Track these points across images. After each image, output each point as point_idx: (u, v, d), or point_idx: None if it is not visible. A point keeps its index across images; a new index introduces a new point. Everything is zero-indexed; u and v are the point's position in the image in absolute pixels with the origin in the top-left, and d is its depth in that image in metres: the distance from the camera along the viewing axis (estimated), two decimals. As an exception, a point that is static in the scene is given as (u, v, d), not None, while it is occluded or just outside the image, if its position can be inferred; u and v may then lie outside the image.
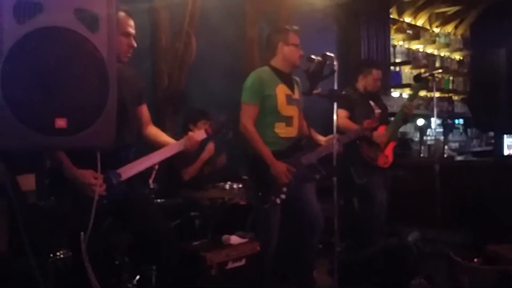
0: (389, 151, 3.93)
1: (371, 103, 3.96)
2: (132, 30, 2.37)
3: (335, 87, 2.74)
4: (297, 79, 3.29)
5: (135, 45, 2.39)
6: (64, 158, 2.12)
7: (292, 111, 3.18)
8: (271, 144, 3.08)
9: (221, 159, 4.06)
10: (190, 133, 2.56)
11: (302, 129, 3.25)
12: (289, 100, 3.16)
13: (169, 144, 2.53)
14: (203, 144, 3.86)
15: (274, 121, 3.12)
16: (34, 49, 1.66)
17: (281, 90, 3.14)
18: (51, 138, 1.70)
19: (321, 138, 3.24)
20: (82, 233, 1.93)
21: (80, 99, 1.75)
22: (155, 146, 2.58)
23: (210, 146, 3.84)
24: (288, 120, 3.16)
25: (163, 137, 2.64)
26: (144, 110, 2.62)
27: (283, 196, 3.03)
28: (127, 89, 2.36)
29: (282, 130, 3.14)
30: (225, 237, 3.06)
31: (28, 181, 2.78)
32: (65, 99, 1.71)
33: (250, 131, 3.06)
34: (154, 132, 2.65)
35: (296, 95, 3.23)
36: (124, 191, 2.32)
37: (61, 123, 1.70)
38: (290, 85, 3.20)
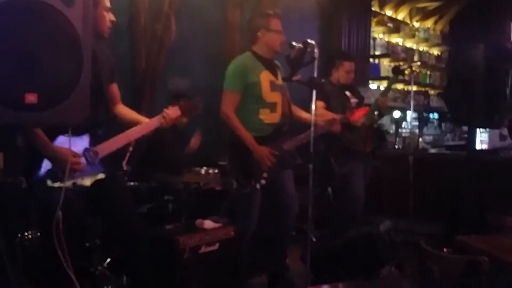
0: (367, 136, 3.93)
1: (347, 93, 3.97)
2: (109, 5, 2.35)
3: (315, 75, 2.73)
4: (279, 64, 3.27)
5: (114, 19, 2.37)
6: (41, 135, 2.06)
7: (276, 97, 3.18)
8: (254, 130, 3.09)
9: (196, 140, 4.03)
10: (166, 110, 2.55)
11: (285, 114, 3.24)
12: (273, 86, 3.15)
13: (144, 122, 2.51)
14: (180, 133, 3.86)
15: (259, 107, 3.13)
16: (4, 21, 1.60)
17: (265, 77, 3.13)
18: (21, 113, 1.65)
19: (306, 116, 3.21)
20: (60, 212, 1.88)
21: (53, 75, 1.70)
22: (125, 124, 2.55)
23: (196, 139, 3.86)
24: (272, 106, 3.16)
25: (133, 114, 2.62)
26: (115, 88, 2.59)
27: (263, 181, 3.05)
28: (102, 66, 2.33)
29: (266, 117, 3.15)
30: (198, 221, 3.05)
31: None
32: (36, 74, 1.66)
33: (231, 117, 3.07)
34: (124, 110, 2.64)
35: (279, 80, 3.22)
36: (101, 169, 2.29)
37: (31, 98, 1.65)
38: (273, 71, 3.20)
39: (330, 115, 3.57)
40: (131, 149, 2.90)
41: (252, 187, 3.04)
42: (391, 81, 4.10)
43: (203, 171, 3.83)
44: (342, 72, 3.98)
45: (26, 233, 2.56)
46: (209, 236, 2.96)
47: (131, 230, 2.46)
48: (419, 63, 4.71)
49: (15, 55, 1.62)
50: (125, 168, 3.13)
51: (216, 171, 3.87)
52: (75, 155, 2.11)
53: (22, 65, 1.63)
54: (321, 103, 3.70)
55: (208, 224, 3.04)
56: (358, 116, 3.73)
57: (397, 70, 3.82)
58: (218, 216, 3.24)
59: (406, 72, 3.80)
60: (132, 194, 2.70)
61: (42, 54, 1.67)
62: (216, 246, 2.98)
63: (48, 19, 1.69)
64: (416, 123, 7.17)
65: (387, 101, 4.01)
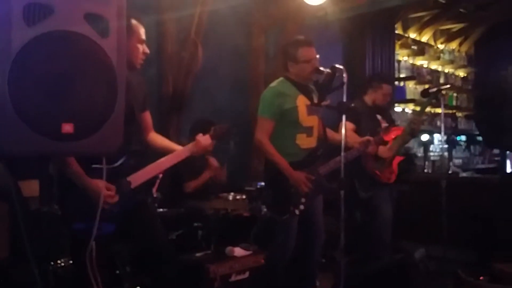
0: (394, 165, 3.88)
1: (378, 117, 3.93)
2: (144, 37, 2.39)
3: (344, 100, 2.71)
4: (313, 87, 3.24)
5: (148, 51, 2.41)
6: (75, 165, 2.09)
7: (312, 121, 3.15)
8: (289, 155, 3.05)
9: (222, 174, 4.00)
10: (197, 138, 2.56)
11: (321, 138, 3.21)
12: (310, 110, 3.11)
13: (176, 150, 2.53)
14: (205, 159, 3.86)
15: (295, 132, 3.09)
16: (42, 52, 1.63)
17: (302, 101, 3.10)
18: (57, 143, 1.67)
19: (338, 137, 3.16)
20: (94, 242, 1.89)
21: (88, 104, 1.71)
22: (158, 152, 2.57)
23: (214, 163, 3.83)
24: (308, 131, 3.13)
25: (166, 142, 2.65)
26: (148, 117, 2.62)
27: (302, 206, 3.00)
28: (134, 95, 2.36)
29: (302, 141, 3.11)
30: (228, 249, 3.01)
31: (31, 187, 2.74)
32: (72, 104, 1.68)
33: (265, 144, 3.04)
34: (157, 138, 2.66)
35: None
36: (134, 200, 2.30)
37: (67, 128, 1.67)
38: (308, 95, 3.15)
39: (357, 138, 3.52)
40: (161, 175, 2.91)
41: (291, 213, 2.98)
42: (425, 104, 4.04)
43: (230, 197, 3.81)
44: (380, 94, 3.94)
45: (59, 261, 2.57)
46: (239, 264, 2.93)
47: (162, 257, 2.44)
48: (448, 85, 4.63)
49: (52, 85, 1.64)
50: (155, 195, 3.13)
51: (244, 196, 3.84)
52: (108, 187, 2.12)
53: (58, 95, 1.65)
54: (350, 125, 3.66)
55: (238, 251, 3.01)
56: (392, 136, 3.69)
57: (426, 94, 3.77)
58: (248, 243, 3.20)
59: (437, 94, 3.73)
60: (162, 220, 2.70)
61: (78, 84, 1.69)
62: (246, 275, 2.94)
63: (84, 50, 1.71)
64: (444, 145, 7.04)
65: (421, 123, 3.95)
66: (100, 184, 2.03)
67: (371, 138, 3.39)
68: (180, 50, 4.38)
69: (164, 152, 2.53)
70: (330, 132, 3.28)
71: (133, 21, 2.32)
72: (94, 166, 2.06)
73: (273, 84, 3.18)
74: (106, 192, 2.08)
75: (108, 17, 1.77)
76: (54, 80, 1.64)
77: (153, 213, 2.63)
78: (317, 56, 3.11)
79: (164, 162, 2.46)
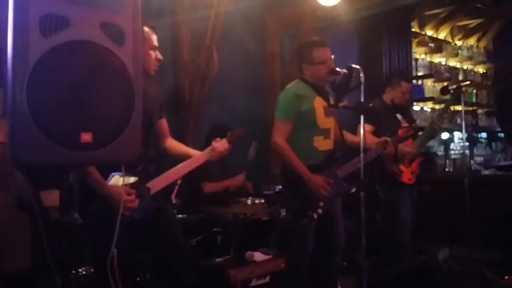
0: (415, 166, 3.82)
1: (398, 116, 3.87)
2: (156, 43, 2.42)
3: (362, 100, 2.67)
4: (328, 89, 3.21)
5: (161, 57, 2.43)
6: (96, 174, 2.11)
7: (330, 123, 3.11)
8: (307, 158, 3.01)
9: (240, 179, 4.00)
10: (214, 143, 2.58)
11: (338, 140, 3.18)
12: (327, 112, 3.07)
13: (193, 155, 2.54)
14: (225, 162, 3.87)
15: (313, 134, 3.05)
16: (60, 63, 1.64)
17: (319, 103, 3.06)
18: (77, 152, 1.67)
19: (355, 139, 3.13)
20: (115, 250, 1.90)
21: (106, 113, 1.72)
22: (175, 158, 2.59)
23: (241, 177, 3.84)
24: (326, 133, 3.09)
25: (183, 148, 2.67)
26: (164, 123, 2.64)
27: (320, 210, 2.96)
28: (151, 102, 2.37)
29: (320, 144, 3.07)
30: (248, 253, 3.00)
31: (51, 197, 2.76)
32: (91, 113, 1.69)
33: (282, 147, 3.01)
34: (174, 144, 2.68)
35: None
36: (154, 206, 2.31)
37: (86, 137, 1.68)
38: (325, 96, 3.12)
39: (376, 139, 3.47)
40: (179, 182, 2.92)
41: (309, 218, 2.95)
42: (448, 103, 3.97)
43: (249, 202, 3.79)
44: (398, 92, 3.87)
45: (80, 270, 2.59)
46: (260, 268, 2.91)
47: (180, 264, 2.45)
48: (468, 82, 4.54)
49: (70, 94, 1.65)
50: (174, 201, 3.14)
51: (262, 201, 3.83)
52: (129, 192, 2.13)
53: (76, 104, 1.66)
54: (369, 127, 3.61)
55: (258, 256, 2.99)
56: (404, 148, 3.64)
57: (445, 91, 3.71)
58: (268, 248, 3.18)
59: (456, 91, 3.65)
60: (181, 226, 2.70)
61: (95, 93, 1.70)
62: (267, 279, 2.91)
63: (101, 59, 1.72)
64: (465, 143, 6.92)
65: (443, 122, 3.88)
66: (121, 190, 2.05)
67: (388, 139, 3.34)
68: (195, 57, 4.40)
69: (181, 158, 2.55)
70: (347, 135, 3.24)
71: (145, 28, 2.34)
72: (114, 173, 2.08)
73: (290, 85, 3.16)
74: (126, 197, 2.10)
75: (123, 25, 1.78)
76: (72, 90, 1.65)
77: (172, 219, 2.64)
78: (332, 56, 3.08)
79: (183, 168, 2.49)
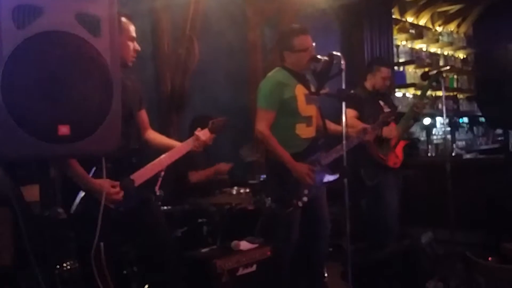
0: (399, 150, 3.86)
1: (381, 102, 3.89)
2: (134, 34, 2.39)
3: (343, 87, 2.68)
4: (309, 76, 3.22)
5: (139, 48, 2.40)
6: (78, 167, 2.08)
7: (311, 111, 3.12)
8: (290, 146, 3.02)
9: (226, 167, 3.99)
10: (196, 133, 2.56)
11: (320, 128, 3.18)
12: (308, 99, 3.08)
13: (177, 146, 2.53)
14: (209, 152, 3.85)
15: (295, 122, 3.06)
16: (34, 54, 1.61)
17: (300, 91, 3.07)
18: (55, 145, 1.65)
19: (337, 127, 3.12)
20: (102, 243, 1.89)
21: (83, 105, 1.70)
22: (156, 149, 2.58)
23: (226, 165, 3.83)
24: (308, 120, 3.11)
25: (164, 139, 2.66)
26: (144, 115, 2.62)
27: (305, 198, 2.98)
28: (129, 94, 2.35)
29: (302, 131, 3.08)
30: (234, 243, 3.00)
31: (32, 192, 2.72)
32: (67, 105, 1.66)
33: (267, 136, 3.00)
34: (155, 135, 2.67)
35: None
36: (138, 198, 2.29)
37: (64, 130, 1.65)
38: (306, 84, 3.13)
39: (360, 125, 3.49)
40: (162, 173, 2.90)
41: (294, 206, 2.96)
42: (426, 87, 4.00)
43: (234, 191, 3.79)
44: (379, 78, 3.90)
45: (65, 264, 2.56)
46: (246, 257, 2.91)
47: (166, 255, 2.44)
48: (448, 67, 4.58)
49: (46, 87, 1.62)
50: (158, 193, 3.12)
51: (248, 190, 3.83)
52: (113, 185, 2.11)
53: (53, 97, 1.63)
54: (353, 112, 3.63)
55: (244, 245, 2.99)
56: (389, 128, 3.66)
57: (426, 76, 3.73)
58: (253, 236, 3.18)
59: (437, 76, 3.68)
60: (166, 218, 2.69)
61: (72, 85, 1.67)
62: (253, 268, 2.92)
63: (76, 50, 1.69)
64: (447, 128, 6.99)
65: (424, 106, 3.91)
66: (104, 183, 2.02)
67: (367, 126, 3.37)
68: (176, 48, 4.35)
69: (162, 149, 2.53)
70: (329, 124, 3.25)
71: (123, 19, 2.32)
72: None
73: (271, 74, 3.15)
74: (110, 189, 2.08)
75: (99, 16, 1.75)
76: (48, 82, 1.62)
77: (157, 211, 2.63)
78: (314, 44, 3.08)
79: (166, 159, 2.47)
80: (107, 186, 2.08)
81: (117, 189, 2.17)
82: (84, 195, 2.15)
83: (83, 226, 2.14)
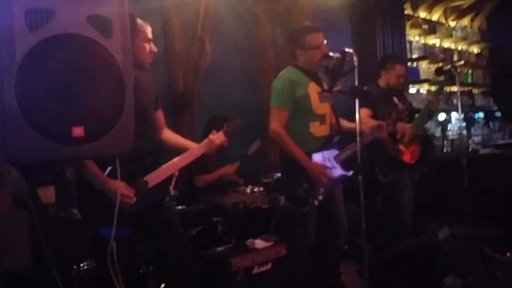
0: (414, 147, 3.82)
1: (395, 99, 3.86)
2: (151, 36, 2.39)
3: (356, 84, 2.66)
4: (321, 74, 3.20)
5: (156, 50, 2.41)
6: (94, 168, 2.10)
7: (325, 109, 3.11)
8: (305, 145, 3.00)
9: (231, 168, 3.99)
10: (211, 136, 2.56)
11: (334, 126, 3.17)
12: (321, 97, 3.07)
13: (191, 148, 2.53)
14: (221, 152, 3.86)
15: (309, 121, 3.05)
16: (47, 57, 1.62)
17: (313, 89, 3.05)
18: (69, 147, 1.66)
19: (351, 125, 3.11)
20: (114, 243, 1.90)
21: (97, 106, 1.71)
22: (172, 150, 2.59)
23: (232, 167, 3.84)
24: (322, 118, 3.09)
25: (180, 139, 2.66)
26: (160, 115, 2.63)
27: (320, 197, 2.96)
28: (145, 94, 2.36)
29: (316, 130, 3.07)
30: (249, 241, 3.00)
31: (48, 193, 2.76)
32: (81, 107, 1.67)
33: (281, 135, 2.99)
34: (171, 136, 2.67)
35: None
36: (151, 200, 2.30)
37: (78, 131, 1.66)
38: (318, 82, 3.11)
39: (374, 123, 3.46)
40: (176, 173, 2.92)
41: (310, 205, 2.94)
42: (442, 83, 3.95)
43: (248, 190, 3.80)
44: (393, 76, 3.87)
45: (82, 265, 2.59)
46: (261, 256, 2.91)
47: (180, 255, 2.44)
48: (462, 62, 4.52)
49: (59, 89, 1.63)
50: (172, 192, 3.13)
51: (262, 189, 3.83)
52: (127, 188, 2.12)
53: (66, 99, 1.64)
54: (366, 111, 3.60)
55: (259, 243, 2.99)
56: (404, 124, 3.63)
57: (440, 72, 3.69)
58: (268, 235, 3.18)
59: (451, 71, 3.63)
60: (181, 218, 2.70)
61: (85, 86, 1.68)
62: (269, 266, 2.92)
63: (88, 52, 1.70)
64: (462, 124, 6.91)
65: (439, 103, 3.87)
66: (120, 185, 2.04)
67: (382, 123, 3.34)
68: (187, 48, 4.37)
69: (178, 149, 2.54)
70: (342, 121, 3.23)
71: (139, 21, 2.32)
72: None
73: (282, 73, 3.14)
74: (125, 192, 2.10)
75: (110, 17, 1.76)
76: (61, 84, 1.64)
77: (170, 211, 2.64)
78: (325, 41, 3.06)
79: (180, 161, 2.47)
80: (122, 188, 2.09)
81: (131, 193, 2.18)
82: (98, 195, 2.16)
83: (97, 226, 2.16)
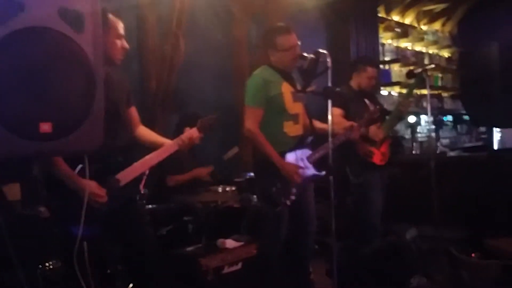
0: (385, 148, 3.88)
1: (366, 101, 3.91)
2: (123, 32, 2.35)
3: (329, 85, 2.68)
4: (295, 75, 3.21)
5: (128, 46, 2.36)
6: (64, 165, 2.05)
7: (298, 108, 3.12)
8: (278, 144, 3.01)
9: (204, 172, 3.97)
10: (185, 132, 2.53)
11: (307, 126, 3.18)
12: (295, 97, 3.08)
13: (164, 144, 2.50)
14: (195, 152, 3.84)
15: (282, 120, 3.05)
16: (15, 50, 1.58)
17: (286, 88, 3.06)
18: (36, 143, 1.62)
19: (323, 126, 3.09)
20: (85, 242, 1.87)
21: (65, 102, 1.67)
22: (146, 146, 2.55)
23: (205, 170, 3.82)
24: (295, 118, 3.10)
25: (154, 136, 2.62)
26: (134, 112, 2.59)
27: (293, 197, 2.97)
28: (118, 91, 2.32)
29: (290, 129, 3.08)
30: (220, 241, 2.99)
31: (13, 190, 2.68)
32: (49, 102, 1.63)
33: (256, 134, 2.98)
34: (145, 132, 2.63)
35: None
36: (123, 198, 2.27)
37: (45, 127, 1.62)
38: (292, 82, 3.12)
39: (347, 123, 3.50)
40: (147, 172, 2.88)
41: (283, 205, 2.95)
42: (412, 86, 4.02)
43: (220, 189, 3.77)
44: (364, 78, 3.90)
45: (47, 264, 2.53)
46: (232, 255, 2.91)
47: (149, 255, 2.42)
48: (433, 65, 4.61)
49: (27, 83, 1.59)
50: (142, 191, 3.09)
51: (234, 188, 3.81)
52: (98, 187, 2.09)
53: (34, 94, 1.60)
54: (338, 110, 3.63)
55: (230, 243, 2.99)
56: (375, 129, 3.68)
57: (411, 75, 3.76)
58: (239, 235, 3.18)
59: (422, 74, 3.70)
60: (152, 217, 2.67)
61: (54, 82, 1.64)
62: (239, 266, 2.92)
63: (59, 46, 1.66)
64: (431, 126, 7.07)
65: (409, 105, 3.94)
66: (90, 184, 2.00)
67: (354, 124, 3.38)
68: (162, 44, 4.32)
69: (152, 146, 2.51)
70: (315, 122, 3.25)
71: (111, 16, 2.27)
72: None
73: (257, 71, 3.14)
74: (96, 190, 2.07)
75: (82, 11, 1.73)
76: (29, 79, 1.59)
77: (140, 210, 2.61)
78: (299, 42, 3.07)
79: (153, 158, 2.44)
80: (93, 187, 2.05)
81: (103, 192, 2.14)
82: (68, 193, 2.11)
83: (66, 224, 2.11)
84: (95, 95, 1.74)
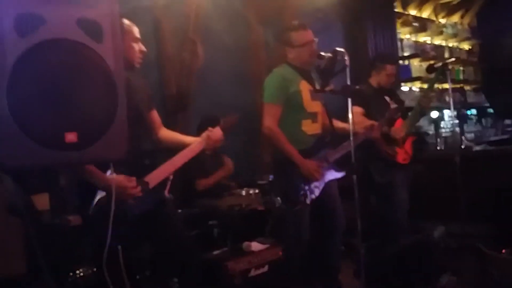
0: (408, 146, 3.83)
1: (387, 98, 3.86)
2: (139, 35, 2.38)
3: (348, 83, 2.66)
4: (314, 74, 3.20)
5: (145, 49, 2.40)
6: (93, 168, 2.07)
7: (317, 107, 3.10)
8: (297, 143, 2.99)
9: (229, 166, 3.97)
10: (208, 132, 2.53)
11: (326, 125, 3.16)
12: (313, 95, 3.06)
13: (190, 143, 2.50)
14: (219, 159, 3.86)
15: (301, 118, 3.04)
16: (38, 63, 1.61)
17: (305, 86, 3.05)
18: (62, 153, 1.65)
19: (344, 125, 3.09)
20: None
21: (89, 111, 1.69)
22: (171, 148, 2.57)
23: (229, 163, 3.82)
24: (313, 117, 3.08)
25: (178, 136, 2.64)
26: (155, 115, 2.61)
27: (313, 196, 2.94)
28: (139, 96, 2.34)
29: (308, 128, 3.06)
30: (245, 244, 3.00)
31: (42, 200, 2.73)
32: (73, 112, 1.66)
33: (275, 132, 2.97)
34: (168, 134, 2.65)
35: None
36: (154, 200, 2.28)
37: (71, 137, 1.65)
38: (310, 81, 3.11)
39: (368, 122, 3.47)
40: (171, 177, 2.90)
41: (302, 204, 2.93)
42: (433, 81, 3.96)
43: (243, 192, 3.79)
44: (384, 76, 3.88)
45: (77, 271, 2.56)
46: (258, 258, 2.91)
47: (183, 257, 2.42)
48: (453, 59, 4.54)
49: (51, 94, 1.62)
50: (167, 196, 3.11)
51: (257, 191, 3.82)
52: (130, 180, 2.11)
53: (58, 104, 1.63)
54: (359, 109, 3.60)
55: (256, 246, 2.99)
56: (397, 128, 3.63)
57: (431, 69, 3.71)
58: (264, 237, 3.17)
59: (443, 68, 3.64)
60: (179, 221, 2.67)
61: (77, 92, 1.67)
62: (265, 268, 2.92)
63: (79, 56, 1.69)
64: (455, 121, 6.94)
65: (431, 100, 3.88)
66: (121, 178, 2.02)
67: (375, 123, 3.34)
68: (179, 51, 4.36)
69: (177, 146, 2.51)
70: (335, 122, 3.22)
71: (125, 21, 2.31)
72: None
73: (276, 69, 3.15)
74: (127, 183, 2.08)
75: (101, 21, 1.75)
76: (53, 90, 1.62)
77: (172, 212, 2.61)
78: (315, 39, 3.06)
79: (179, 158, 2.44)
80: (122, 180, 2.07)
81: (134, 183, 2.14)
82: (100, 198, 2.13)
83: (100, 230, 2.13)
84: (118, 103, 1.76)
